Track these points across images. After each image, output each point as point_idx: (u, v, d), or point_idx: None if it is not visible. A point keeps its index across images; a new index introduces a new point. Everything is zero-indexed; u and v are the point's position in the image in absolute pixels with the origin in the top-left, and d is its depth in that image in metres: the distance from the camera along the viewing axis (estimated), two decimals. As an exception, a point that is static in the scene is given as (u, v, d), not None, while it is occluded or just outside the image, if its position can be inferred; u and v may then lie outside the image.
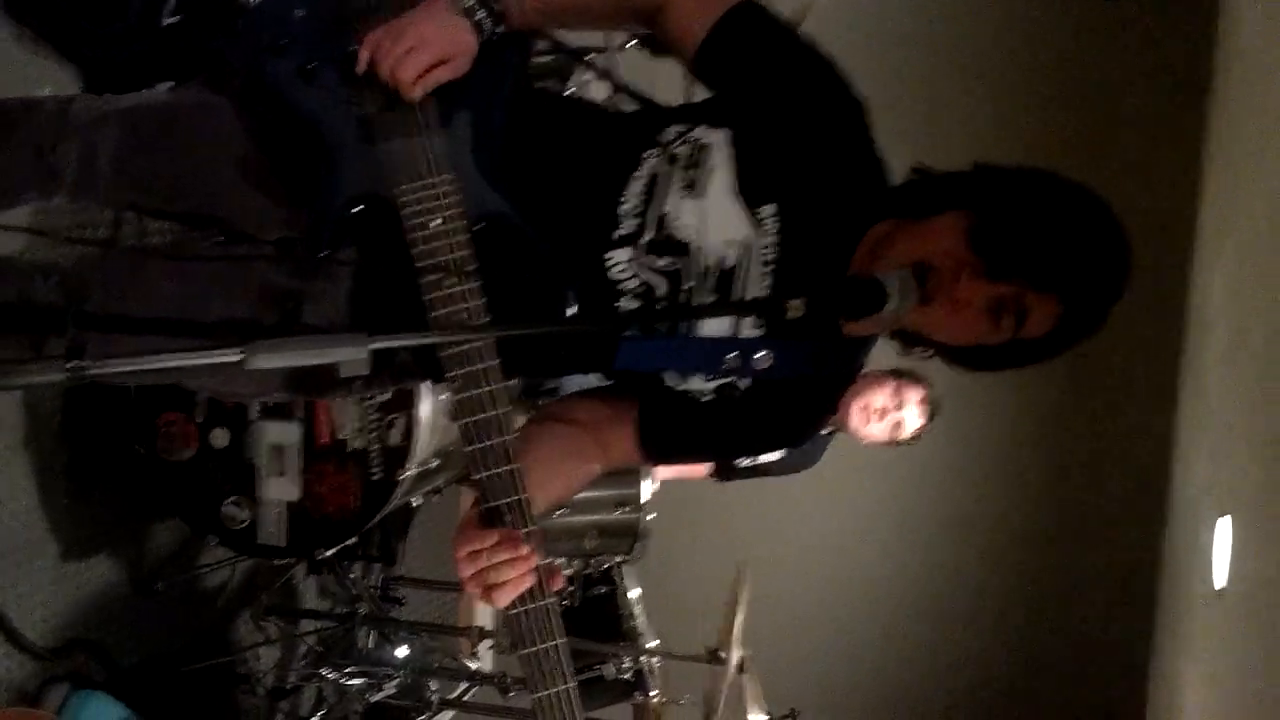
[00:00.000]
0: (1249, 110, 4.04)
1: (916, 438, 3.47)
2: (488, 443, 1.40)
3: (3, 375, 1.11)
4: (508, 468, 1.40)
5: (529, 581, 1.36)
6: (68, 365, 1.09)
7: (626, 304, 1.60)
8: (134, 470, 2.96)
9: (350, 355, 1.19)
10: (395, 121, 1.54)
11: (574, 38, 2.31)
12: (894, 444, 3.49)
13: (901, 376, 3.41)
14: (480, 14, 1.56)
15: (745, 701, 3.22)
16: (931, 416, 3.46)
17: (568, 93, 3.32)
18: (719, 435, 1.71)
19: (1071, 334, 1.51)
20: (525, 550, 1.34)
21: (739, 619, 3.24)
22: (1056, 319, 1.48)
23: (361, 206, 1.53)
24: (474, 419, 1.41)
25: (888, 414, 3.39)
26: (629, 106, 1.92)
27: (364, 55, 1.52)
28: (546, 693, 1.38)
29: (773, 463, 3.45)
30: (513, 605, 1.38)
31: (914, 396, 3.39)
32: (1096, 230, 1.49)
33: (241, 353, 1.14)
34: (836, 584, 5.49)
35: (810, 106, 1.61)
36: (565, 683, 1.38)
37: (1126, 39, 5.01)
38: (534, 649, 1.38)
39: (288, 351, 1.16)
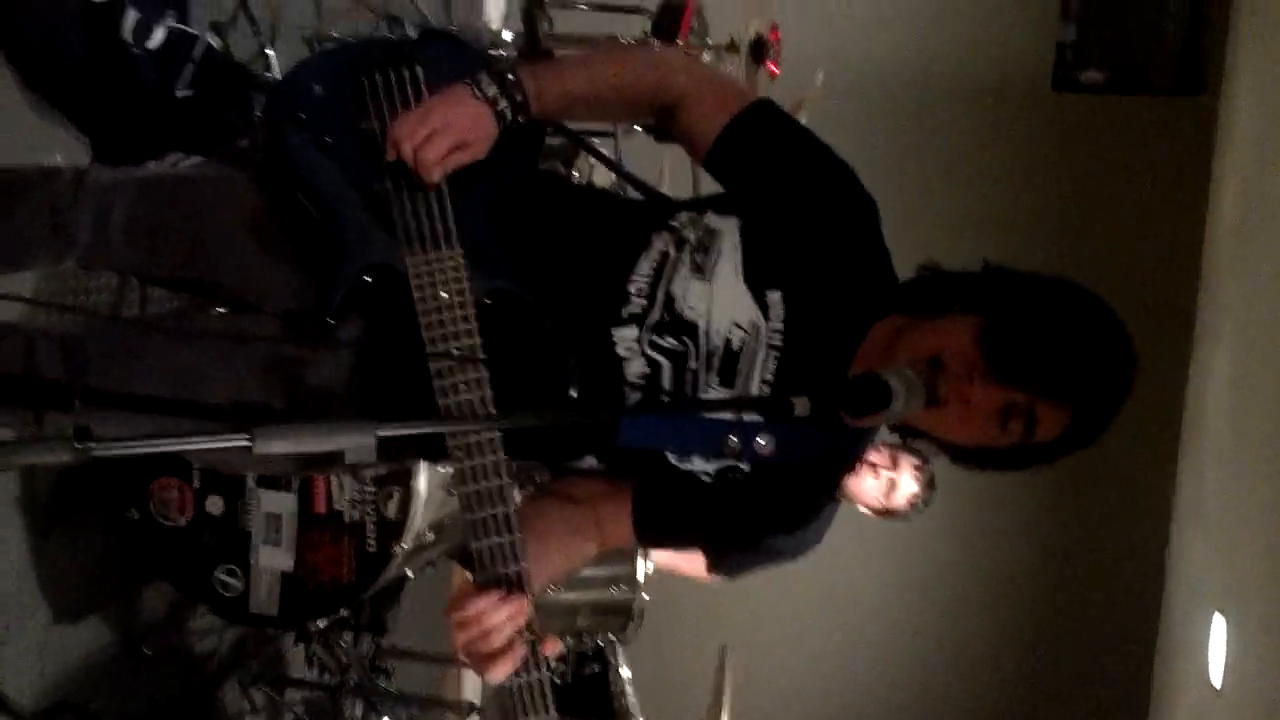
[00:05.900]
0: (1249, 199, 4.08)
1: (912, 507, 3.39)
2: (488, 512, 1.40)
3: (10, 454, 1.10)
4: (508, 538, 1.40)
5: (523, 652, 1.35)
6: (76, 446, 1.07)
7: (631, 380, 1.60)
8: (128, 534, 2.94)
9: (357, 443, 1.18)
10: (409, 197, 1.56)
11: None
12: (887, 513, 3.43)
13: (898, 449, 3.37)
14: (503, 104, 1.59)
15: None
16: (929, 490, 3.40)
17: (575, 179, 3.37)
18: (714, 518, 1.70)
19: (1077, 440, 1.53)
20: (520, 607, 1.34)
21: (725, 705, 3.20)
22: (1065, 427, 1.50)
23: (371, 279, 1.55)
24: (475, 488, 1.41)
25: (882, 471, 3.35)
26: (632, 194, 1.94)
27: (392, 140, 1.54)
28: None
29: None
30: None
31: (909, 462, 3.36)
32: (1108, 343, 1.52)
33: (249, 438, 1.13)
34: (832, 666, 5.45)
35: (821, 202, 1.63)
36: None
37: (1125, 133, 5.08)
38: (524, 724, 1.37)
39: (295, 438, 1.15)
